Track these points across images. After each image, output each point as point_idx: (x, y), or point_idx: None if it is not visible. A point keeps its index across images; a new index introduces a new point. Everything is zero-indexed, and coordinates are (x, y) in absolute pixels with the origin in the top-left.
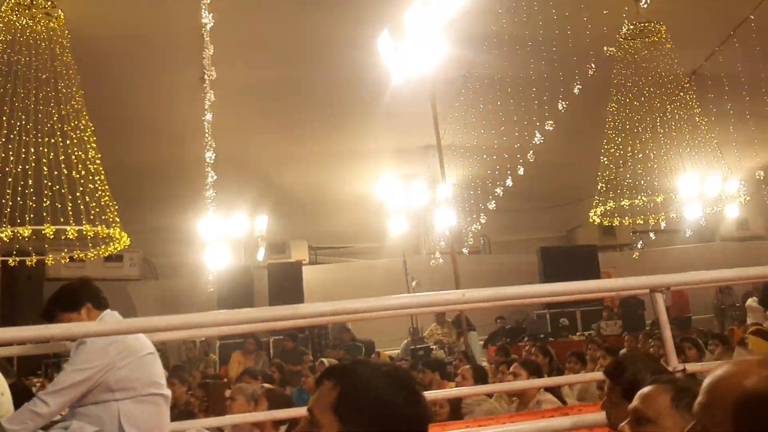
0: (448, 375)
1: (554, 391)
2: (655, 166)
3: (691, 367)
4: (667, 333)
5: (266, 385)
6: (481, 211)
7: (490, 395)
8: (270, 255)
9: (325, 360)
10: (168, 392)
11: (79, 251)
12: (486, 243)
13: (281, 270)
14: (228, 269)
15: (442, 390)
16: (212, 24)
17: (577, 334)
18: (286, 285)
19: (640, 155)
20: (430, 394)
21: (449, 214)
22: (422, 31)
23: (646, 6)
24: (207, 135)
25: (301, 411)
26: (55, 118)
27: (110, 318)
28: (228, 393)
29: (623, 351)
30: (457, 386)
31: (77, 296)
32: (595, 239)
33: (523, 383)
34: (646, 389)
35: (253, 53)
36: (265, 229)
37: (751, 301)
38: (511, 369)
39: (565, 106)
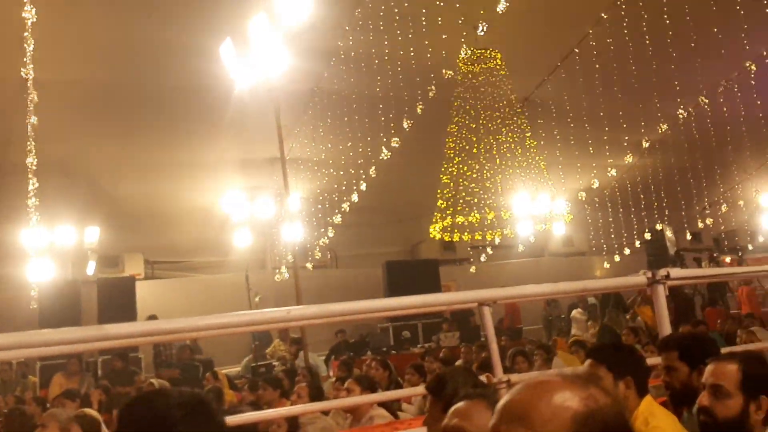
0: (288, 393)
1: (390, 405)
2: (490, 185)
3: (516, 378)
4: (494, 345)
5: (87, 410)
6: (328, 225)
7: (327, 412)
8: (101, 269)
9: (154, 381)
10: None
11: None
12: (333, 257)
13: (112, 285)
14: (53, 284)
15: (273, 409)
16: (34, 19)
17: (418, 346)
18: (117, 301)
19: (476, 175)
20: (264, 414)
21: (296, 228)
22: (266, 42)
23: (483, 33)
24: (30, 139)
25: None
26: None
27: None
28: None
29: (459, 362)
30: (293, 404)
31: None
32: (437, 254)
33: (355, 399)
34: (460, 405)
35: (83, 53)
36: (96, 241)
37: (576, 313)
38: (345, 385)
39: (409, 124)
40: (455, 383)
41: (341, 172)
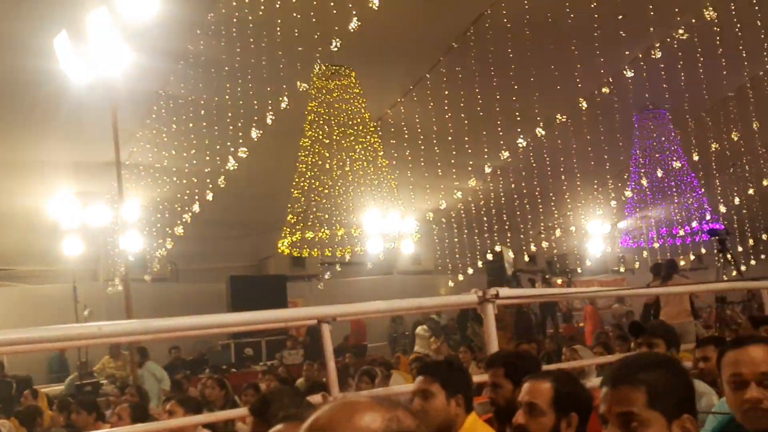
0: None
1: (224, 426)
2: (341, 201)
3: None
4: (331, 363)
5: None
6: (169, 236)
7: None
8: None
9: None
10: None
11: None
12: (174, 270)
13: None
14: None
15: None
16: None
17: (261, 363)
18: None
19: (328, 191)
20: None
21: (131, 238)
22: (106, 38)
23: (336, 50)
24: None
25: None
26: None
27: None
28: None
29: (300, 381)
30: (113, 426)
31: None
32: (286, 269)
33: (182, 420)
34: (279, 427)
35: None
36: None
37: (420, 330)
38: (168, 407)
39: (259, 134)
40: (281, 404)
41: (184, 181)
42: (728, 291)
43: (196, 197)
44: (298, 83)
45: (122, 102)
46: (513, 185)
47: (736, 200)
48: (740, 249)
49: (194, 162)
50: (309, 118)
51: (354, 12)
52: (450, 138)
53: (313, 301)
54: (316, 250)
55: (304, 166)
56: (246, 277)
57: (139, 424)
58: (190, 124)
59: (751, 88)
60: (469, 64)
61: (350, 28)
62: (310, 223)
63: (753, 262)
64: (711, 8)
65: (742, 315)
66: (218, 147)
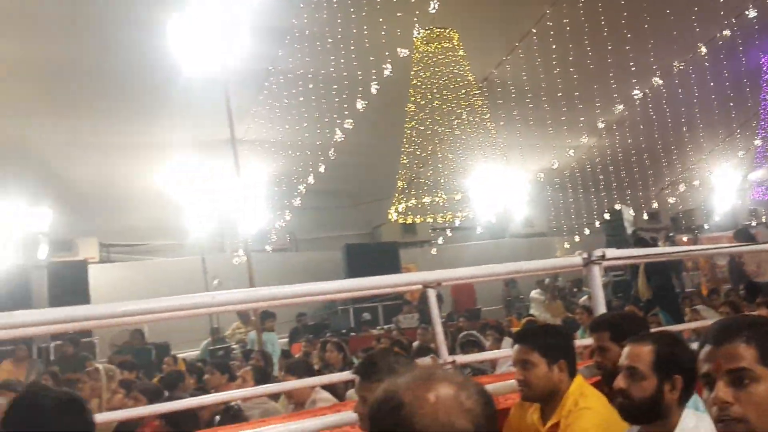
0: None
1: (336, 387)
2: (452, 166)
3: (461, 359)
4: (438, 327)
5: None
6: (287, 207)
7: (275, 397)
8: (54, 253)
9: (99, 365)
10: None
11: None
12: (293, 240)
13: (64, 269)
14: (1, 269)
15: (213, 395)
16: None
17: (378, 328)
18: (69, 286)
19: (439, 155)
20: (204, 399)
21: (253, 211)
22: (218, 18)
23: (435, 12)
24: None
25: None
26: None
27: None
28: None
29: (416, 344)
30: (238, 388)
31: None
32: (398, 236)
33: (296, 383)
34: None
35: (29, 26)
36: (48, 224)
37: (534, 293)
38: (240, 373)
39: (365, 104)
40: (387, 365)
41: (298, 154)
42: None
43: (310, 169)
44: (398, 50)
45: (235, 80)
46: (630, 140)
47: None
48: None
49: (306, 135)
50: (413, 83)
51: None
52: (559, 94)
53: (425, 267)
54: (420, 216)
55: (411, 132)
56: (360, 245)
57: (261, 385)
58: (300, 98)
59: None
60: (577, 15)
61: None
62: (419, 190)
63: None
64: None
65: None
66: (326, 120)
